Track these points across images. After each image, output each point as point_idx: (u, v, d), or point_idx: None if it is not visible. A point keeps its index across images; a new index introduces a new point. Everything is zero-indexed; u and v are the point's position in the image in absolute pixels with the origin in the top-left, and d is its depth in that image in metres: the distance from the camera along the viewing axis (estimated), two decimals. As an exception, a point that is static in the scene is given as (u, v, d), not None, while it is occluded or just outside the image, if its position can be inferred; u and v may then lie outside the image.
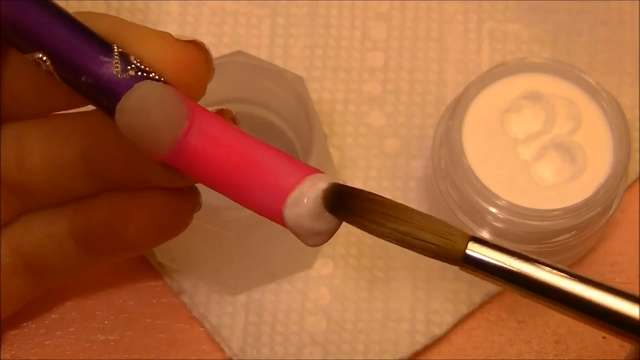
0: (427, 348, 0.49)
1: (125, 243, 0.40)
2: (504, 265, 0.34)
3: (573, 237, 0.47)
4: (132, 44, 0.37)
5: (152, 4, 0.54)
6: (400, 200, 0.51)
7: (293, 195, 0.36)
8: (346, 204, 0.35)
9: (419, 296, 0.50)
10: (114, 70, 0.37)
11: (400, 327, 0.49)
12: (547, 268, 0.34)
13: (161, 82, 0.36)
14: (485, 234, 0.48)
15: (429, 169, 0.50)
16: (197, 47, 0.38)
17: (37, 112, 0.41)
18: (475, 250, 0.34)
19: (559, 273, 0.34)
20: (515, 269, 0.34)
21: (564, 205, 0.46)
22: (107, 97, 0.37)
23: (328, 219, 0.36)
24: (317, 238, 0.36)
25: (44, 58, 0.37)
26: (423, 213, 0.35)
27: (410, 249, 0.35)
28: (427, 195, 0.51)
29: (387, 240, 0.35)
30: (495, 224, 0.46)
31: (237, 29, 0.54)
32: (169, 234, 0.41)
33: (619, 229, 0.51)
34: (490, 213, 0.46)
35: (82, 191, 0.41)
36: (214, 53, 0.53)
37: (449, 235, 0.35)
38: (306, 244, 0.37)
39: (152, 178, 0.39)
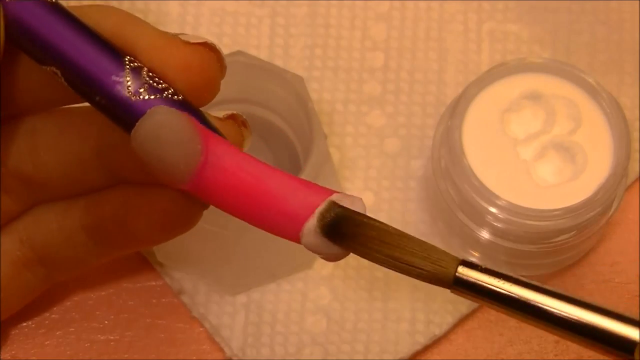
0: (427, 348, 0.49)
1: (135, 237, 0.41)
2: (494, 288, 0.35)
3: (573, 237, 0.47)
4: (142, 51, 0.37)
5: (152, 4, 0.54)
6: (400, 200, 0.51)
7: (307, 226, 0.36)
8: (339, 229, 0.36)
9: (419, 296, 0.50)
10: (126, 92, 0.37)
11: (400, 327, 0.49)
12: (537, 290, 0.35)
13: (176, 102, 0.37)
14: (485, 234, 0.48)
15: (429, 169, 0.50)
16: (208, 48, 0.38)
17: (51, 106, 0.41)
18: (464, 274, 0.35)
19: (550, 295, 0.35)
20: (505, 292, 0.35)
21: (564, 205, 0.46)
22: (121, 119, 0.37)
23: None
24: (335, 257, 0.37)
25: (57, 72, 0.37)
26: (414, 238, 0.36)
27: (402, 273, 0.36)
28: (427, 195, 0.51)
29: (379, 264, 0.36)
30: (495, 224, 0.46)
31: (237, 29, 0.54)
32: (178, 230, 0.41)
33: (619, 229, 0.51)
34: (490, 213, 0.46)
35: (95, 185, 0.41)
36: (214, 53, 0.53)
37: (439, 261, 0.36)
38: (329, 261, 0.37)
39: None
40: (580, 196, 0.46)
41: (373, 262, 0.36)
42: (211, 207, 0.44)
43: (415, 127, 0.53)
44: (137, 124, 0.36)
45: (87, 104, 0.40)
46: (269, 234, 0.46)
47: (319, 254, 0.37)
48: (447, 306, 0.49)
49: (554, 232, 0.47)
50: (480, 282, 0.35)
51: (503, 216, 0.46)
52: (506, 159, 0.47)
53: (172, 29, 0.54)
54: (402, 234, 0.36)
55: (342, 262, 0.50)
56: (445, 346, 0.49)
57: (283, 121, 0.50)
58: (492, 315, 0.50)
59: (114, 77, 0.37)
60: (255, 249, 0.48)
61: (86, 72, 0.37)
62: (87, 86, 0.37)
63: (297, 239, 0.37)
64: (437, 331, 0.49)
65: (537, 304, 0.35)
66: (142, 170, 0.39)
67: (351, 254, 0.51)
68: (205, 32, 0.54)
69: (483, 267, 0.35)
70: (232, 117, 0.39)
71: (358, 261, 0.50)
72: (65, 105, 0.41)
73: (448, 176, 0.48)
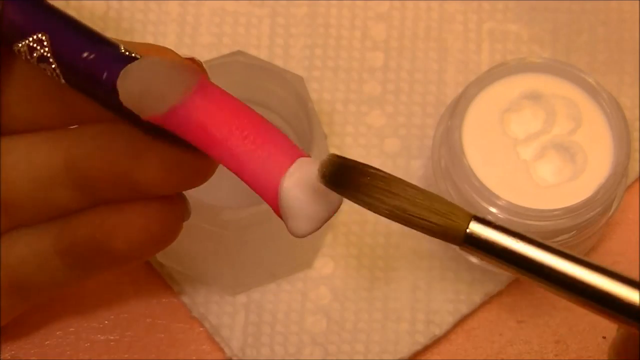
0: (427, 348, 0.49)
1: (114, 258, 0.39)
2: (506, 246, 0.34)
3: (573, 237, 0.47)
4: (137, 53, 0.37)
5: (152, 4, 0.54)
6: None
7: (294, 166, 0.35)
8: (345, 177, 0.34)
9: (419, 296, 0.50)
10: (121, 50, 0.36)
11: (400, 327, 0.49)
12: (549, 251, 0.34)
13: None
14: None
15: (429, 169, 0.50)
16: (194, 62, 0.38)
17: (26, 127, 0.40)
18: (476, 231, 0.34)
19: (562, 256, 0.34)
20: (517, 250, 0.34)
21: (564, 205, 0.46)
22: (108, 70, 0.36)
23: (324, 199, 0.35)
24: (307, 222, 0.35)
25: (43, 38, 0.36)
26: (426, 191, 0.34)
27: (410, 226, 0.34)
28: (427, 195, 0.51)
29: (386, 217, 0.34)
30: (495, 224, 0.46)
31: (237, 29, 0.54)
32: (159, 246, 0.40)
33: (619, 229, 0.52)
34: (490, 213, 0.46)
35: (67, 205, 0.40)
36: (214, 53, 0.53)
37: (451, 215, 0.34)
38: (292, 229, 0.35)
39: (140, 182, 0.38)
40: (580, 196, 0.46)
41: (377, 213, 0.34)
42: (211, 207, 0.44)
43: (415, 127, 0.53)
44: (130, 64, 0.35)
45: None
46: (269, 234, 0.46)
47: (294, 205, 0.35)
48: (447, 306, 0.49)
49: (554, 232, 0.47)
50: (492, 240, 0.34)
51: (503, 216, 0.46)
52: (506, 159, 0.47)
53: (172, 28, 0.54)
54: (411, 185, 0.34)
55: (342, 262, 0.50)
56: (445, 346, 0.49)
57: (283, 121, 0.50)
58: (492, 315, 0.50)
59: (106, 43, 0.37)
60: (255, 249, 0.48)
61: (77, 31, 0.37)
62: (76, 41, 0.36)
63: (275, 186, 0.35)
64: (437, 331, 0.49)
65: (550, 265, 0.33)
66: (116, 183, 0.38)
67: (350, 254, 0.51)
68: (205, 32, 0.54)
69: (496, 224, 0.34)
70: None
71: (358, 261, 0.50)
72: (40, 123, 0.40)
73: (448, 176, 0.48)
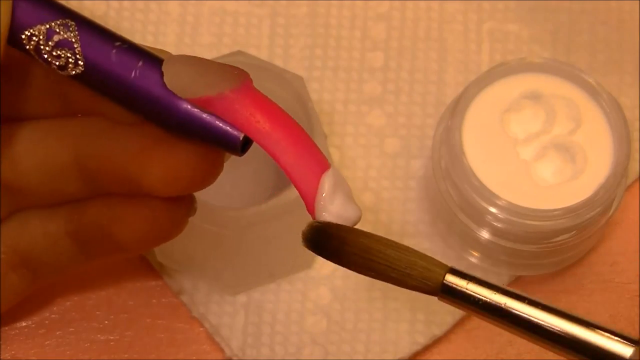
0: (427, 348, 0.49)
1: (119, 246, 0.41)
2: (481, 298, 0.35)
3: (573, 237, 0.47)
4: None
5: (152, 4, 0.54)
6: (400, 200, 0.51)
7: (330, 170, 0.37)
8: (326, 244, 0.36)
9: (419, 296, 0.49)
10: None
11: (400, 327, 0.49)
12: (526, 302, 0.35)
13: None
14: (485, 234, 0.48)
15: (429, 169, 0.50)
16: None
17: (32, 117, 0.41)
18: (452, 282, 0.35)
19: (538, 307, 0.35)
20: (492, 302, 0.35)
21: (564, 205, 0.46)
22: (144, 59, 0.37)
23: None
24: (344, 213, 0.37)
25: (70, 23, 0.37)
26: (402, 246, 0.36)
27: (392, 283, 0.36)
28: (427, 195, 0.51)
29: (366, 275, 0.36)
30: (495, 224, 0.46)
31: (237, 29, 0.54)
32: (163, 238, 0.41)
33: (619, 229, 0.51)
34: (490, 213, 0.46)
35: (77, 194, 0.41)
36: (214, 53, 0.53)
37: (426, 270, 0.36)
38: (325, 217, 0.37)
39: (145, 186, 0.39)
40: (580, 196, 0.46)
41: (357, 272, 0.36)
42: (211, 207, 0.44)
43: (415, 127, 0.53)
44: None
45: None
46: (269, 234, 0.46)
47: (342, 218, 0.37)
48: (447, 306, 0.49)
49: (554, 232, 0.47)
50: (467, 291, 0.35)
51: (503, 216, 0.46)
52: (506, 159, 0.47)
53: (172, 28, 0.54)
54: (386, 241, 0.36)
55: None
56: (445, 346, 0.49)
57: (283, 121, 0.50)
58: (492, 315, 0.50)
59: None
60: (255, 248, 0.48)
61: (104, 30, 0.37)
62: (107, 31, 0.37)
63: (316, 184, 0.37)
64: (437, 331, 0.49)
65: (525, 315, 0.35)
66: (123, 185, 0.39)
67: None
68: (205, 32, 0.54)
69: (471, 275, 0.35)
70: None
71: (358, 261, 0.50)
72: (51, 116, 0.41)
73: (448, 176, 0.48)
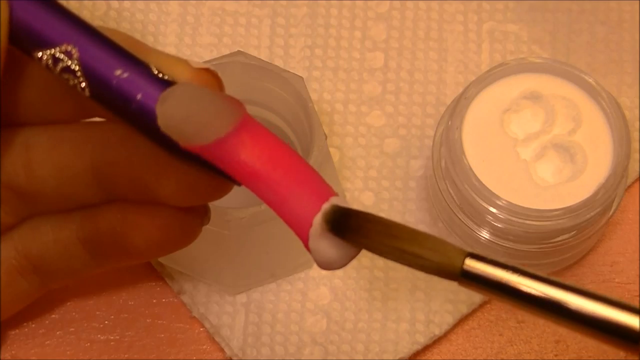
0: (427, 348, 0.49)
1: (132, 252, 0.40)
2: (502, 280, 0.35)
3: (573, 237, 0.47)
4: (155, 64, 0.37)
5: (152, 4, 0.54)
6: (400, 200, 0.51)
7: (311, 231, 0.36)
8: (345, 224, 0.36)
9: (419, 296, 0.50)
10: (154, 71, 0.36)
11: (400, 327, 0.49)
12: (544, 282, 0.35)
13: None
14: (485, 234, 0.48)
15: (429, 169, 0.50)
16: (210, 73, 0.38)
17: (47, 121, 0.41)
18: (472, 266, 0.35)
19: (556, 286, 0.34)
20: (512, 284, 0.35)
21: (564, 205, 0.46)
22: (143, 92, 0.35)
23: (337, 246, 0.36)
24: (341, 259, 0.36)
25: (72, 50, 0.36)
26: (421, 231, 0.36)
27: (408, 265, 0.35)
28: (427, 195, 0.51)
29: (385, 257, 0.36)
30: (495, 224, 0.46)
31: (237, 29, 0.54)
32: (176, 246, 0.41)
33: (619, 229, 0.52)
34: (490, 213, 0.46)
35: (91, 200, 0.41)
36: (214, 53, 0.53)
37: (446, 253, 0.35)
38: (321, 265, 0.36)
39: (162, 196, 0.38)
40: (580, 196, 0.46)
41: (379, 254, 0.35)
42: (211, 207, 0.44)
43: (415, 127, 0.53)
44: (170, 88, 0.35)
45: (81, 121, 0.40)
46: (269, 234, 0.46)
47: (325, 257, 0.36)
48: (447, 306, 0.49)
49: (554, 232, 0.47)
50: (487, 274, 0.35)
51: (503, 216, 0.46)
52: (506, 159, 0.47)
53: (172, 28, 0.54)
54: (408, 228, 0.36)
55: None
56: (445, 346, 0.49)
57: (283, 121, 0.50)
58: (492, 315, 0.50)
59: (138, 62, 0.36)
60: (255, 249, 0.48)
61: (109, 48, 0.36)
62: (108, 58, 0.36)
63: (306, 243, 0.36)
64: (437, 331, 0.49)
65: (544, 295, 0.34)
66: (139, 192, 0.39)
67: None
68: (205, 32, 0.54)
69: (490, 259, 0.35)
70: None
71: (358, 261, 0.50)
72: (61, 121, 0.41)
73: (448, 176, 0.48)
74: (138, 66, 0.36)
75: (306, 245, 0.36)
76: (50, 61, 0.36)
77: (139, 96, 0.35)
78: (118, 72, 0.36)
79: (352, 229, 0.36)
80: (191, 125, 0.35)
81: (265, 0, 0.55)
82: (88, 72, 0.36)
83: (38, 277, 0.43)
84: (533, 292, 0.34)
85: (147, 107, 0.35)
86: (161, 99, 0.35)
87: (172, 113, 0.35)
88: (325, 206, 0.36)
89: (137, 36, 0.53)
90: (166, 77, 0.36)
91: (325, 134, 0.47)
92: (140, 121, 0.36)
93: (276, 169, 0.35)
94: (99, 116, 0.40)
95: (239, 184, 0.37)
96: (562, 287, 0.34)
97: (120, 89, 0.36)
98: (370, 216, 0.36)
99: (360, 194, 0.51)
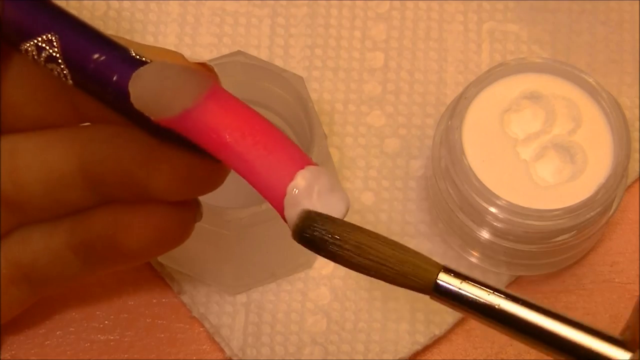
0: (427, 348, 0.49)
1: (125, 255, 0.40)
2: (474, 298, 0.35)
3: (573, 237, 0.47)
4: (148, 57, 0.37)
5: (152, 4, 0.54)
6: (400, 200, 0.51)
7: (301, 173, 0.35)
8: (312, 238, 0.35)
9: (419, 296, 0.49)
10: (131, 53, 0.36)
11: (400, 327, 0.49)
12: (519, 303, 0.34)
13: None
14: (485, 234, 0.48)
15: (429, 169, 0.50)
16: (206, 67, 0.38)
17: (34, 126, 0.40)
18: (445, 281, 0.35)
19: (531, 308, 0.34)
20: (485, 302, 0.35)
21: (564, 205, 0.46)
22: (119, 73, 0.36)
23: (329, 208, 0.35)
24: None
25: (52, 38, 0.36)
26: (396, 243, 0.35)
27: (383, 280, 0.35)
28: (427, 195, 0.51)
29: (355, 271, 0.35)
30: (495, 224, 0.46)
31: (237, 29, 0.54)
32: (170, 245, 0.40)
33: (619, 229, 0.52)
34: (490, 213, 0.46)
35: (81, 204, 0.40)
36: (214, 53, 0.54)
37: (419, 267, 0.35)
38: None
39: (152, 190, 0.38)
40: (580, 196, 0.46)
41: (349, 268, 0.35)
42: (211, 207, 0.44)
43: (415, 127, 0.53)
44: (144, 66, 0.36)
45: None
46: (269, 234, 0.46)
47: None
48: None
49: (553, 232, 0.47)
50: (460, 291, 0.35)
51: (503, 216, 0.46)
52: (506, 159, 0.47)
53: (172, 28, 0.54)
54: (380, 238, 0.35)
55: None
56: (445, 346, 0.49)
57: (283, 121, 0.50)
58: (492, 315, 0.50)
59: (115, 46, 0.37)
60: (256, 249, 0.48)
61: (88, 32, 0.37)
62: (87, 42, 0.36)
63: (282, 194, 0.35)
64: (437, 331, 0.49)
65: (519, 317, 0.34)
66: (129, 189, 0.38)
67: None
68: (205, 32, 0.54)
69: (464, 275, 0.35)
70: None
71: (358, 261, 0.50)
72: (48, 125, 0.40)
73: (448, 176, 0.48)
74: (116, 50, 0.37)
75: (282, 215, 0.36)
76: (34, 52, 0.37)
77: (115, 77, 0.36)
78: (95, 55, 0.36)
79: (319, 242, 0.35)
80: (159, 98, 0.35)
81: (265, 0, 0.55)
82: (68, 58, 0.37)
83: (30, 286, 0.43)
84: (508, 314, 0.34)
85: (124, 87, 0.36)
86: (133, 77, 0.36)
87: (141, 89, 0.35)
88: (297, 213, 0.35)
89: (137, 36, 0.54)
90: (143, 59, 0.36)
91: (325, 134, 0.47)
92: (119, 103, 0.36)
93: (245, 138, 0.35)
94: (88, 120, 0.40)
95: (217, 160, 0.37)
96: (539, 310, 0.34)
97: (98, 72, 0.36)
98: (337, 232, 0.35)
99: (360, 194, 0.51)
